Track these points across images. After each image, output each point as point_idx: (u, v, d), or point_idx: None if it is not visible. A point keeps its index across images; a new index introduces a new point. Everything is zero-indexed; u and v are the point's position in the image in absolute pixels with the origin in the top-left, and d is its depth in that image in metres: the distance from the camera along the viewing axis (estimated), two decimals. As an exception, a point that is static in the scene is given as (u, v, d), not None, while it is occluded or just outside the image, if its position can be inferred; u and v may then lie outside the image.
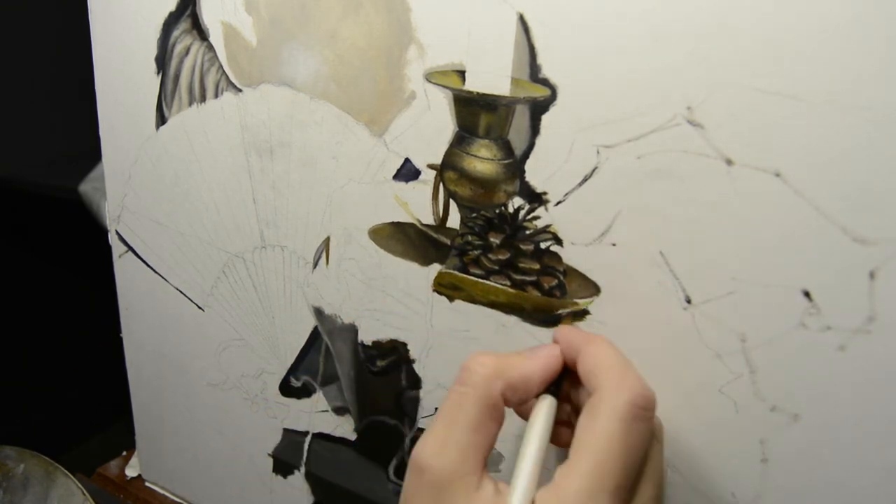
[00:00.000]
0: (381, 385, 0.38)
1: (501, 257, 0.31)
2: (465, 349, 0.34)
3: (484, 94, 0.29)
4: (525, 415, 0.27)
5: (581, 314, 0.29)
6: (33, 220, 0.87)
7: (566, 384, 0.27)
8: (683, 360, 0.28)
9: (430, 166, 0.31)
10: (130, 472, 0.55)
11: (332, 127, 0.34)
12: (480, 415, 0.23)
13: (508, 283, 0.31)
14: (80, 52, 0.44)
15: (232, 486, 0.49)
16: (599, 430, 0.22)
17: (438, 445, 0.23)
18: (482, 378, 0.24)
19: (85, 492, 0.48)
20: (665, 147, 0.25)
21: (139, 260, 0.45)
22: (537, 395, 0.26)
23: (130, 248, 0.46)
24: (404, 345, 0.36)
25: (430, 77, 0.30)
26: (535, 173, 0.29)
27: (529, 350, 0.26)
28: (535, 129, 0.28)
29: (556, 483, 0.22)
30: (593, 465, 0.21)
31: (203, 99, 0.38)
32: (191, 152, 0.39)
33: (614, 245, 0.28)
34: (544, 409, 0.25)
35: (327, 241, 0.36)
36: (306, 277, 0.38)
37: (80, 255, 0.92)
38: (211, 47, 0.36)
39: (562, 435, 0.27)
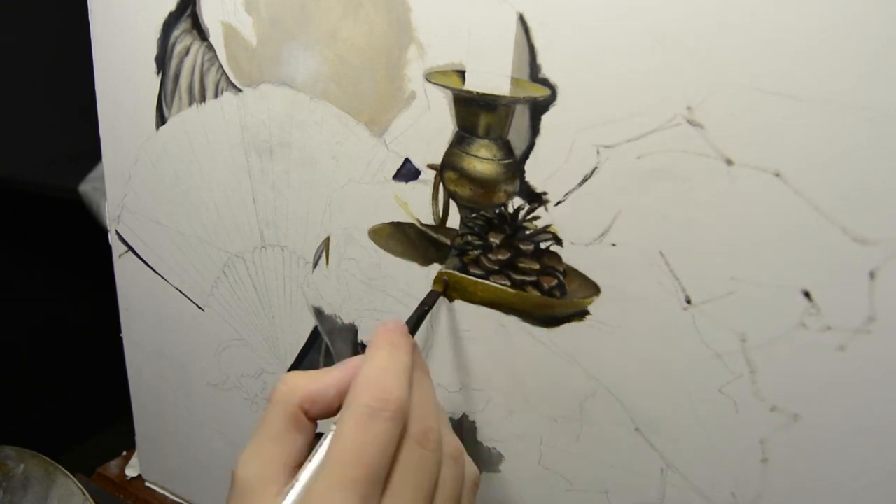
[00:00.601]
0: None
1: (501, 257, 0.31)
2: (465, 349, 0.34)
3: (484, 94, 0.29)
4: None
5: (581, 314, 0.29)
6: (33, 220, 0.87)
7: None
8: (683, 360, 0.28)
9: (430, 166, 0.31)
10: (130, 472, 0.55)
11: (332, 127, 0.34)
12: (280, 426, 0.25)
13: (508, 283, 0.31)
14: (80, 53, 0.44)
15: (232, 486, 0.49)
16: (337, 432, 0.23)
17: (246, 457, 0.25)
18: (282, 394, 0.25)
19: (85, 492, 0.48)
20: (665, 147, 0.25)
21: (139, 260, 0.45)
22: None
23: (130, 248, 0.46)
24: (404, 345, 0.36)
25: (430, 77, 0.30)
26: (535, 173, 0.29)
27: (340, 363, 0.27)
28: (535, 129, 0.28)
29: (306, 485, 0.23)
30: (328, 465, 0.22)
31: (203, 99, 0.38)
32: (191, 152, 0.39)
33: (614, 245, 0.28)
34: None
35: (327, 241, 0.36)
36: (306, 277, 0.38)
37: (80, 255, 0.92)
38: (211, 47, 0.37)
39: None
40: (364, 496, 0.22)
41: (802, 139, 0.23)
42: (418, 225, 0.33)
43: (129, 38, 0.39)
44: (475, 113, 0.29)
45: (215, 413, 0.47)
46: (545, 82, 0.27)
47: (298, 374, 0.26)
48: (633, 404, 0.30)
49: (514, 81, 0.28)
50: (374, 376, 0.25)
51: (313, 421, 0.26)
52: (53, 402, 0.95)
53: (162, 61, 0.39)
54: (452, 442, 0.27)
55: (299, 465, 0.25)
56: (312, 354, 0.40)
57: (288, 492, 0.23)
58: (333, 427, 0.24)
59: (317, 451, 0.24)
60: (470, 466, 0.27)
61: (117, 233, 0.46)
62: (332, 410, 0.26)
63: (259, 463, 0.24)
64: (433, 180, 0.31)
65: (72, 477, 0.49)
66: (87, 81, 0.43)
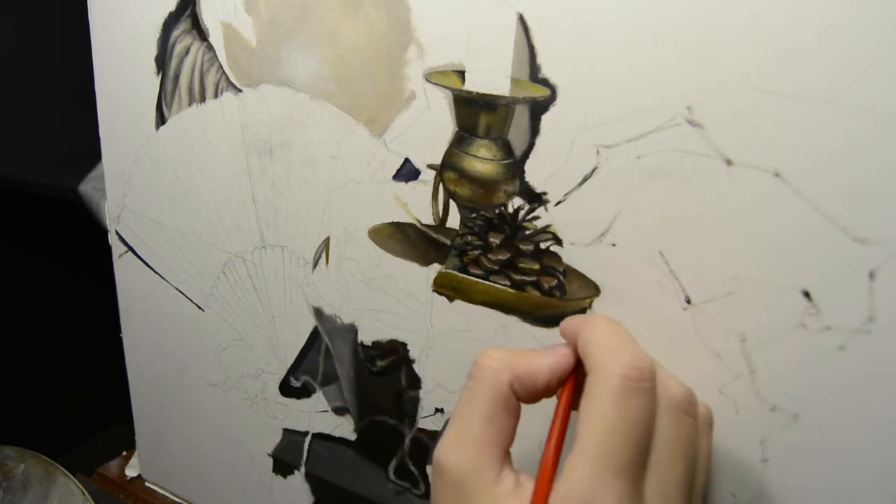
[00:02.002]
0: (381, 385, 0.38)
1: (501, 257, 0.31)
2: (465, 349, 0.34)
3: (484, 94, 0.29)
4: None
5: (581, 314, 0.29)
6: (33, 220, 0.87)
7: (583, 372, 0.26)
8: (683, 360, 0.28)
9: (430, 166, 0.31)
10: (130, 472, 0.55)
11: (331, 127, 0.34)
12: (491, 408, 0.23)
13: (508, 283, 0.31)
14: (80, 53, 0.44)
15: (232, 486, 0.49)
16: (594, 412, 0.22)
17: (453, 443, 0.23)
18: (491, 371, 0.24)
19: (85, 492, 0.48)
20: (665, 147, 0.25)
21: (139, 260, 0.45)
22: (550, 390, 0.26)
23: (130, 248, 0.46)
24: (404, 345, 0.36)
25: (429, 77, 0.30)
26: (535, 173, 0.29)
27: (545, 348, 0.26)
28: (534, 129, 0.28)
29: (564, 474, 0.21)
30: (592, 450, 0.21)
31: (203, 99, 0.38)
32: (191, 152, 0.39)
33: (614, 245, 0.28)
34: (562, 401, 0.25)
35: (327, 241, 0.36)
36: (306, 277, 0.38)
37: (80, 255, 0.92)
38: (211, 47, 0.37)
39: None
40: (634, 478, 0.21)
41: (802, 139, 0.23)
42: (418, 225, 0.33)
43: (129, 38, 0.39)
44: (475, 113, 0.29)
45: (215, 413, 0.47)
46: (545, 82, 0.27)
47: (504, 351, 0.24)
48: (633, 404, 0.30)
49: (514, 81, 0.28)
50: (616, 345, 0.23)
51: (519, 403, 0.24)
52: (53, 402, 0.95)
53: (162, 61, 0.39)
54: (702, 403, 0.26)
55: (509, 450, 0.23)
56: (312, 354, 0.40)
57: (534, 485, 0.21)
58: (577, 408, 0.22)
59: (552, 433, 0.23)
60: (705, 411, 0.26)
61: (117, 233, 0.46)
62: (537, 396, 0.25)
63: (472, 449, 0.22)
64: (433, 180, 0.31)
65: (72, 477, 0.49)
66: (87, 81, 0.43)
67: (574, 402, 0.26)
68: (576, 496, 0.20)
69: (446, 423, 0.25)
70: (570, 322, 0.27)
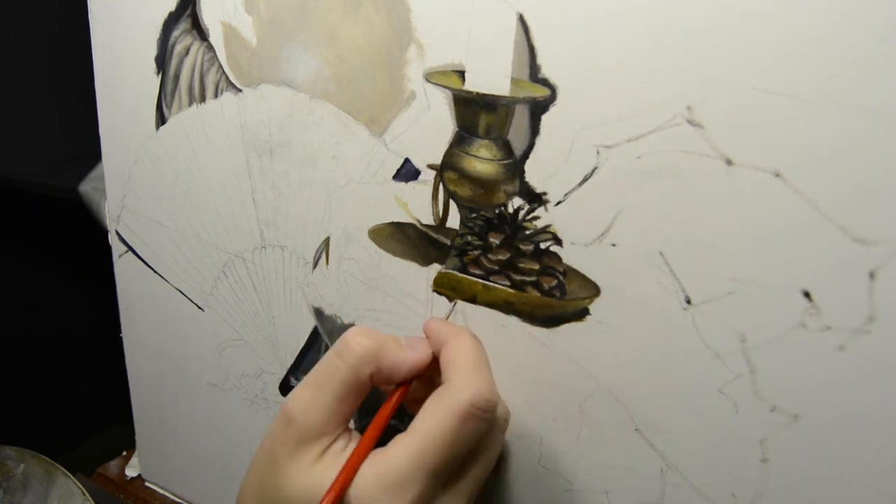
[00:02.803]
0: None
1: (501, 257, 0.31)
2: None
3: (484, 94, 0.29)
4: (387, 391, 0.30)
5: (581, 314, 0.29)
6: (33, 220, 0.87)
7: (428, 368, 0.29)
8: (683, 360, 0.28)
9: (430, 166, 0.31)
10: (130, 472, 0.55)
11: (331, 127, 0.34)
12: (348, 390, 0.26)
13: (508, 283, 0.31)
14: (80, 53, 0.44)
15: (232, 486, 0.49)
16: (436, 418, 0.25)
17: (306, 404, 0.26)
18: (356, 358, 0.26)
19: (85, 492, 0.48)
20: (665, 147, 0.25)
21: (139, 260, 0.45)
22: (402, 381, 0.29)
23: (130, 248, 0.46)
24: (404, 345, 0.36)
25: (429, 77, 0.30)
26: (535, 173, 0.29)
27: (408, 340, 0.29)
28: (534, 129, 0.28)
29: (388, 448, 0.25)
30: (420, 446, 0.24)
31: (203, 99, 0.38)
32: (191, 152, 0.39)
33: (614, 245, 0.28)
34: (397, 394, 0.28)
35: (327, 241, 0.36)
36: (306, 277, 0.38)
37: (80, 255, 0.92)
38: (211, 47, 0.37)
39: (415, 409, 0.30)
40: (441, 479, 0.25)
41: (802, 139, 0.23)
42: (418, 225, 0.33)
43: (129, 38, 0.40)
44: (475, 113, 0.29)
45: (215, 413, 0.47)
46: (545, 82, 0.27)
47: (371, 340, 0.27)
48: (633, 404, 0.30)
49: (514, 81, 0.28)
50: (474, 370, 0.27)
51: (371, 385, 0.27)
52: (53, 402, 0.95)
53: (162, 61, 0.39)
54: (508, 414, 0.31)
55: (349, 418, 0.27)
56: (312, 354, 0.40)
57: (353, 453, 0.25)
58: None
59: (375, 418, 0.27)
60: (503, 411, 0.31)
61: (117, 233, 0.46)
62: (394, 383, 0.28)
63: (322, 416, 0.26)
64: (433, 180, 0.31)
65: (72, 477, 0.49)
66: (87, 81, 0.43)
67: (412, 392, 0.30)
68: (390, 474, 0.24)
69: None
70: (438, 326, 0.30)
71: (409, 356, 0.28)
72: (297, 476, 0.25)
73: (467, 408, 0.25)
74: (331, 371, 0.26)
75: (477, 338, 0.30)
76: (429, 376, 0.30)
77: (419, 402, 0.29)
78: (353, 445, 0.26)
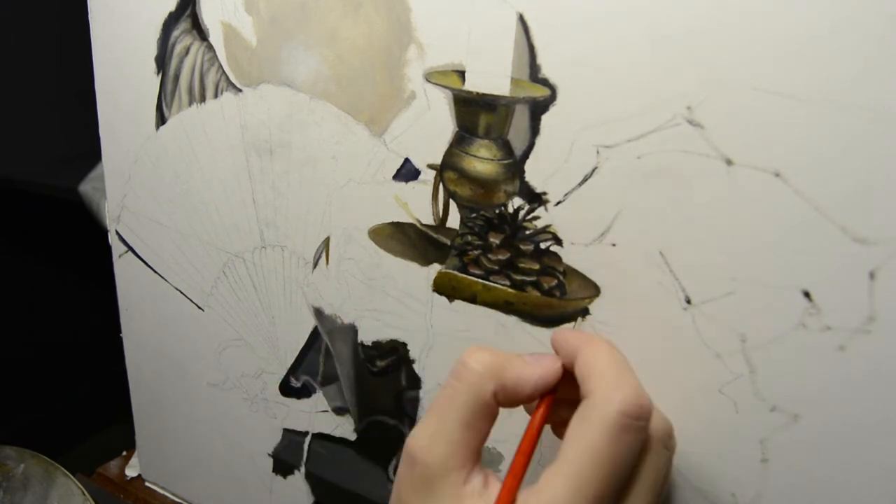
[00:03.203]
0: (381, 385, 0.38)
1: (501, 257, 0.31)
2: (465, 349, 0.34)
3: (484, 94, 0.29)
4: (530, 411, 0.27)
5: (581, 314, 0.29)
6: (33, 220, 0.87)
7: (567, 386, 0.27)
8: (683, 360, 0.27)
9: (430, 166, 0.31)
10: (130, 472, 0.55)
11: (331, 127, 0.34)
12: (472, 413, 0.24)
13: (508, 283, 0.31)
14: (80, 53, 0.44)
15: (232, 486, 0.49)
16: (585, 438, 0.22)
17: (428, 439, 0.23)
18: (476, 376, 0.24)
19: (85, 492, 0.48)
20: (665, 147, 0.25)
21: (139, 260, 0.45)
22: (531, 399, 0.26)
23: (130, 248, 0.46)
24: (404, 345, 0.36)
25: (429, 77, 0.30)
26: (535, 173, 0.29)
27: (533, 356, 0.26)
28: (534, 129, 0.28)
29: (539, 485, 0.22)
30: (575, 474, 0.21)
31: (203, 99, 0.38)
32: (191, 152, 0.39)
33: (614, 245, 0.28)
34: (539, 412, 0.26)
35: (327, 241, 0.36)
36: (306, 277, 0.38)
37: (80, 255, 0.92)
38: (211, 47, 0.37)
39: (562, 435, 0.27)
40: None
41: (802, 139, 0.23)
42: (418, 225, 0.33)
43: (129, 38, 0.39)
44: (475, 113, 0.29)
45: (215, 413, 0.47)
46: (545, 82, 0.27)
47: (491, 355, 0.24)
48: (633, 404, 0.30)
49: (514, 81, 0.28)
50: (618, 376, 0.24)
51: (499, 407, 0.25)
52: (53, 402, 0.95)
53: (162, 61, 0.39)
54: (669, 426, 0.26)
55: (481, 449, 0.24)
56: (312, 354, 0.40)
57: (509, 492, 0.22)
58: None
59: (521, 443, 0.24)
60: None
61: (117, 233, 0.46)
62: (518, 404, 0.26)
63: (446, 448, 0.23)
64: (433, 180, 0.31)
65: (72, 477, 0.49)
66: (87, 81, 0.43)
67: (552, 415, 0.26)
68: None
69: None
70: (566, 336, 0.27)
71: (534, 370, 0.25)
72: None
73: (618, 418, 0.22)
74: (450, 395, 0.24)
75: (612, 342, 0.27)
76: (569, 397, 0.27)
77: (564, 424, 0.26)
78: (493, 483, 0.23)
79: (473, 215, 0.31)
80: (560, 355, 0.27)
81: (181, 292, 0.44)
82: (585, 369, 0.25)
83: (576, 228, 0.28)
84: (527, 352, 0.29)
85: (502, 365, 0.25)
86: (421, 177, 0.32)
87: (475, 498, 0.22)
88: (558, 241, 0.29)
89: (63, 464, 0.50)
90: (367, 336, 0.37)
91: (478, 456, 0.24)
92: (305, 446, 0.43)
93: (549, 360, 0.26)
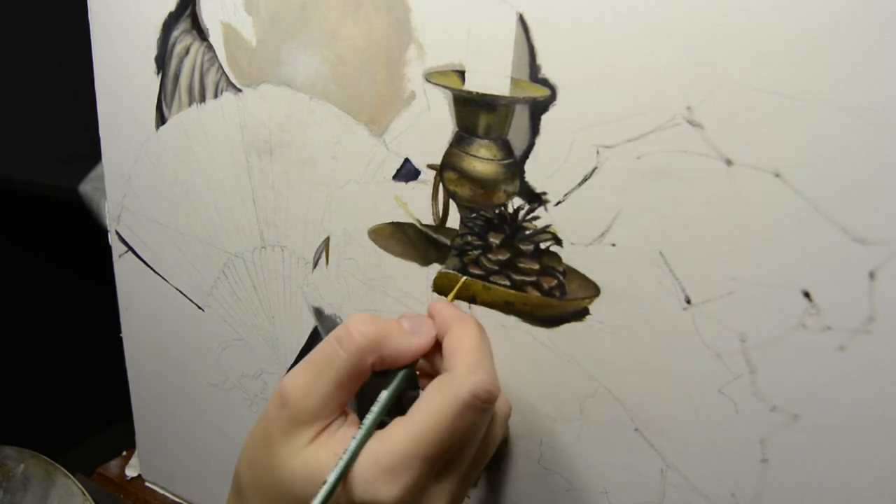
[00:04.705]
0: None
1: (501, 257, 0.31)
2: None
3: (484, 95, 0.29)
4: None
5: (581, 314, 0.29)
6: (33, 220, 0.87)
7: (433, 350, 0.29)
8: (683, 360, 0.28)
9: (430, 166, 0.31)
10: (130, 472, 0.55)
11: (331, 127, 0.34)
12: (347, 376, 0.26)
13: (508, 283, 0.31)
14: (80, 53, 0.44)
15: (232, 486, 0.49)
16: (436, 406, 0.25)
17: (304, 389, 0.26)
18: (357, 348, 0.26)
19: (85, 492, 0.48)
20: (665, 147, 0.25)
21: (139, 260, 0.45)
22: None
23: (130, 248, 0.46)
24: (404, 345, 0.36)
25: (429, 77, 0.30)
26: (535, 173, 0.29)
27: (412, 322, 0.29)
28: (534, 129, 0.28)
29: (385, 432, 0.25)
30: (418, 433, 0.24)
31: (203, 99, 0.38)
32: (190, 152, 0.39)
33: (614, 245, 0.28)
34: (398, 378, 0.28)
35: (327, 241, 0.36)
36: (306, 277, 0.38)
37: (80, 255, 0.92)
38: (211, 47, 0.36)
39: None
40: (434, 465, 0.25)
41: (802, 139, 0.23)
42: (418, 225, 0.33)
43: (129, 38, 0.39)
44: (475, 113, 0.29)
45: (215, 413, 0.47)
46: (545, 82, 0.27)
47: (369, 325, 0.27)
48: (633, 404, 0.30)
49: (514, 81, 0.28)
50: (478, 360, 0.26)
51: (373, 371, 0.27)
52: (53, 402, 0.95)
53: (162, 61, 0.39)
54: (506, 401, 0.30)
55: (346, 403, 0.27)
56: (312, 354, 0.40)
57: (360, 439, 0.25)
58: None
59: (377, 402, 0.27)
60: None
61: (117, 233, 0.46)
62: (392, 367, 0.28)
63: (318, 400, 0.26)
64: (433, 180, 0.31)
65: (72, 477, 0.49)
66: (87, 81, 0.43)
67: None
68: (386, 458, 0.24)
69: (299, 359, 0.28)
70: (443, 310, 0.29)
71: (413, 342, 0.28)
72: (291, 457, 0.25)
73: (468, 398, 0.25)
74: (330, 356, 0.26)
75: (481, 326, 0.29)
76: (431, 356, 0.30)
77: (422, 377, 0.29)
78: (347, 426, 0.26)
79: (473, 215, 0.31)
80: (435, 325, 0.29)
81: (181, 292, 0.44)
82: (452, 347, 0.27)
83: (576, 228, 0.28)
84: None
85: (383, 338, 0.27)
86: (421, 177, 0.32)
87: (329, 436, 0.26)
88: (558, 242, 0.29)
89: (63, 464, 0.50)
90: (367, 336, 0.37)
91: (342, 407, 0.27)
92: (305, 446, 0.43)
93: (427, 328, 0.29)
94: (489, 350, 0.28)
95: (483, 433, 0.27)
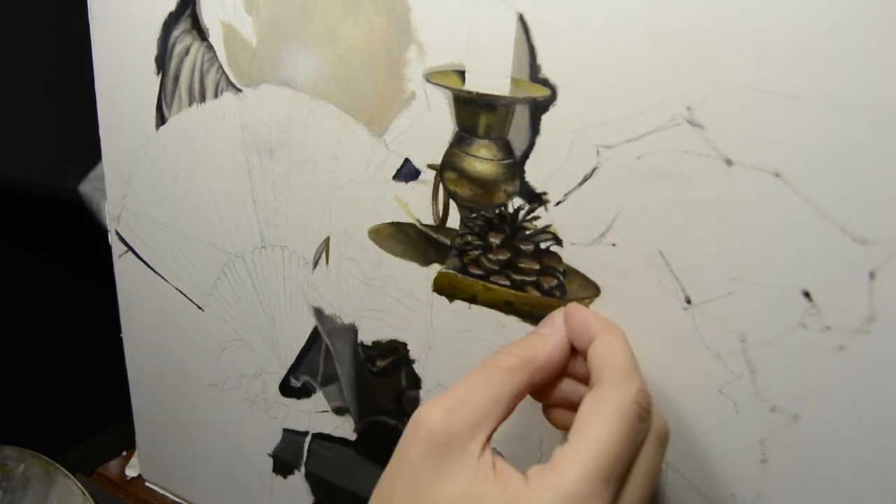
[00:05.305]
0: (381, 385, 0.38)
1: (501, 257, 0.31)
2: (465, 349, 0.34)
3: (484, 94, 0.29)
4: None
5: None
6: (33, 220, 0.87)
7: (567, 362, 0.27)
8: (683, 361, 0.28)
9: (430, 166, 0.31)
10: (130, 472, 0.55)
11: (331, 127, 0.34)
12: (508, 393, 0.24)
13: (508, 283, 0.31)
14: (80, 53, 0.44)
15: (232, 486, 0.49)
16: (604, 419, 0.22)
17: (457, 402, 0.22)
18: (519, 367, 0.24)
19: (85, 492, 0.48)
20: (665, 147, 0.25)
21: (139, 260, 0.45)
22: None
23: (130, 248, 0.46)
24: (404, 345, 0.36)
25: (429, 77, 0.30)
26: (535, 173, 0.29)
27: (541, 325, 0.27)
28: (534, 129, 0.28)
29: (555, 464, 0.22)
30: (594, 452, 0.21)
31: (203, 99, 0.38)
32: (191, 152, 0.39)
33: (614, 245, 0.28)
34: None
35: (327, 241, 0.36)
36: (306, 277, 0.38)
37: (80, 255, 0.92)
38: (211, 47, 0.37)
39: (557, 414, 0.28)
40: (615, 489, 0.22)
41: (802, 139, 0.23)
42: (418, 225, 0.33)
43: (129, 38, 0.39)
44: (475, 113, 0.29)
45: (215, 413, 0.47)
46: (545, 82, 0.27)
47: (526, 346, 0.25)
48: (633, 404, 0.30)
49: (514, 81, 0.28)
50: (634, 368, 0.25)
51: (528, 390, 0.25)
52: (53, 402, 0.95)
53: (162, 61, 0.39)
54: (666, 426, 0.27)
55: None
56: (312, 354, 0.40)
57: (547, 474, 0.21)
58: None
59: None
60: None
61: (117, 233, 0.46)
62: (557, 372, 0.26)
63: (472, 417, 0.22)
64: (433, 180, 0.31)
65: (72, 477, 0.49)
66: (87, 81, 0.43)
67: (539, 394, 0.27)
68: (567, 490, 0.21)
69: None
70: (587, 318, 0.27)
71: (555, 338, 0.26)
72: (452, 486, 0.21)
73: (634, 406, 0.23)
74: (488, 374, 0.24)
75: (625, 333, 0.27)
76: (564, 372, 0.27)
77: (559, 406, 0.27)
78: (501, 465, 0.22)
79: (473, 215, 0.31)
80: (573, 331, 0.27)
81: (181, 292, 0.44)
82: (604, 355, 0.25)
83: (576, 228, 0.28)
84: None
85: (532, 351, 0.25)
86: (421, 177, 0.32)
87: (489, 472, 0.22)
88: (558, 242, 0.29)
89: (63, 464, 0.50)
90: (367, 336, 0.37)
91: (491, 436, 0.23)
92: (305, 446, 0.43)
93: (558, 320, 0.27)
94: (636, 359, 0.26)
95: (646, 453, 0.24)
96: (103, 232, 0.48)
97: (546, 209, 0.29)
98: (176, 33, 0.38)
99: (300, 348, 0.40)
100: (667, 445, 0.26)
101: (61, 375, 0.96)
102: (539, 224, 0.29)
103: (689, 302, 0.27)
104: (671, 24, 0.24)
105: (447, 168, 0.31)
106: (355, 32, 0.31)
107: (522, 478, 0.22)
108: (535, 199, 0.29)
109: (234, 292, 0.41)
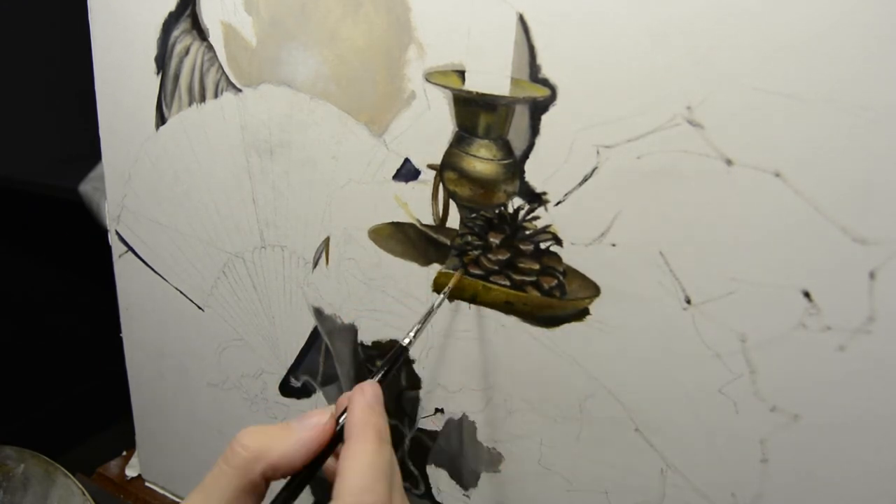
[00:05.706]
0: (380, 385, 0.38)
1: (501, 257, 0.31)
2: (465, 349, 0.34)
3: (484, 94, 0.29)
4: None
5: (581, 314, 0.29)
6: (33, 220, 0.87)
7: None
8: (683, 360, 0.28)
9: (430, 166, 0.31)
10: (130, 472, 0.55)
11: (332, 127, 0.34)
12: (236, 494, 0.25)
13: (508, 283, 0.31)
14: (80, 53, 0.44)
15: (232, 486, 0.49)
16: (356, 453, 0.24)
17: None
18: (243, 461, 0.25)
19: (85, 492, 0.48)
20: (665, 147, 0.25)
21: (139, 260, 0.45)
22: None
23: (130, 248, 0.46)
24: (404, 345, 0.36)
25: (429, 77, 0.30)
26: (535, 173, 0.29)
27: (299, 418, 0.27)
28: (534, 129, 0.28)
29: (335, 498, 0.23)
30: (359, 478, 0.23)
31: (203, 99, 0.38)
32: (191, 152, 0.39)
33: (614, 245, 0.28)
34: (294, 484, 0.27)
35: (327, 241, 0.36)
36: (306, 277, 0.38)
37: (80, 255, 0.92)
38: (211, 47, 0.36)
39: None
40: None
41: (802, 139, 0.23)
42: (418, 225, 0.33)
43: (129, 38, 0.39)
44: (475, 113, 0.29)
45: (215, 413, 0.47)
46: (545, 82, 0.27)
47: (257, 435, 0.25)
48: (633, 404, 0.30)
49: (514, 81, 0.28)
50: (362, 487, 0.24)
51: (267, 482, 0.26)
52: (53, 402, 0.95)
53: (162, 61, 0.39)
54: None
55: None
56: (312, 354, 0.40)
57: None
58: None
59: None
60: None
61: (117, 233, 0.46)
62: (293, 471, 0.26)
63: None
64: (433, 180, 0.31)
65: (72, 477, 0.49)
66: (87, 81, 0.43)
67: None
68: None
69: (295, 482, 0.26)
70: (352, 412, 0.26)
71: (301, 443, 0.26)
72: None
73: (376, 437, 0.24)
74: (217, 477, 0.25)
75: (384, 438, 0.26)
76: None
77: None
78: None
79: (473, 215, 0.31)
80: (347, 422, 0.27)
81: (181, 292, 0.44)
82: (342, 467, 0.25)
83: (576, 228, 0.28)
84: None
85: (270, 445, 0.25)
86: (421, 177, 0.32)
87: None
88: (558, 242, 0.29)
89: (63, 464, 0.50)
90: (367, 336, 0.37)
91: None
92: (305, 446, 0.43)
93: (313, 423, 0.26)
94: (388, 470, 0.25)
95: None
96: (103, 232, 0.48)
97: (546, 209, 0.29)
98: (176, 33, 0.38)
99: (300, 348, 0.40)
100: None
101: (61, 375, 0.96)
102: (539, 224, 0.29)
103: (689, 302, 0.27)
104: (671, 23, 0.24)
105: (447, 168, 0.31)
106: (355, 32, 0.31)
107: None
108: (535, 199, 0.29)
109: (234, 292, 0.41)
